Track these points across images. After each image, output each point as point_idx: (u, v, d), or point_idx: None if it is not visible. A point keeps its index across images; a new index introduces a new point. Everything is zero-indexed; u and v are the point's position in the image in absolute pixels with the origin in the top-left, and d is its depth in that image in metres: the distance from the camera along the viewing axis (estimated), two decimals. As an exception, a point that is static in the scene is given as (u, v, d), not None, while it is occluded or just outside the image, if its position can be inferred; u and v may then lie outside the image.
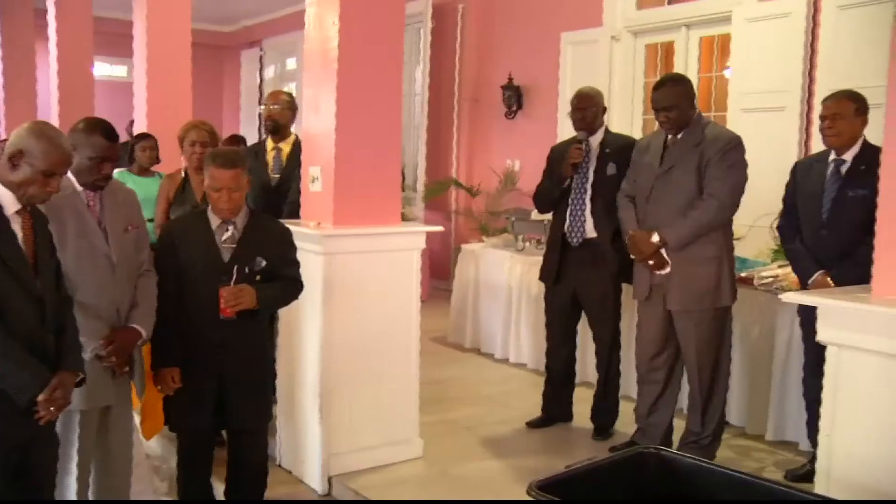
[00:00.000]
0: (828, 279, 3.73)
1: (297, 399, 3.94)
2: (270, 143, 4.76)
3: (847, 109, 3.74)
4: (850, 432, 2.19)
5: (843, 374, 2.20)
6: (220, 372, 3.09)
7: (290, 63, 11.94)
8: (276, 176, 4.67)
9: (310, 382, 3.84)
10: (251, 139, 8.39)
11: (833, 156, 3.83)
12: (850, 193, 3.70)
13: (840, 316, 2.20)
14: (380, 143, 3.99)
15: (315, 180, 3.98)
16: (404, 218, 7.49)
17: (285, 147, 4.73)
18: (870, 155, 3.63)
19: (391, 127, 4.05)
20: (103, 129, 2.92)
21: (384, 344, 3.96)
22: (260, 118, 4.79)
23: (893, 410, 2.10)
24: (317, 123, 3.99)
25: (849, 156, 3.77)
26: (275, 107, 4.71)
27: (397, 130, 4.11)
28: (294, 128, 4.84)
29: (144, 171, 5.55)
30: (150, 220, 4.64)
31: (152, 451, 4.20)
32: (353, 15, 3.85)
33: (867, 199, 3.38)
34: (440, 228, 4.42)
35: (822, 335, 2.25)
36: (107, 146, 2.90)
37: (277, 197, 4.58)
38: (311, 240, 3.76)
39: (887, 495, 2.13)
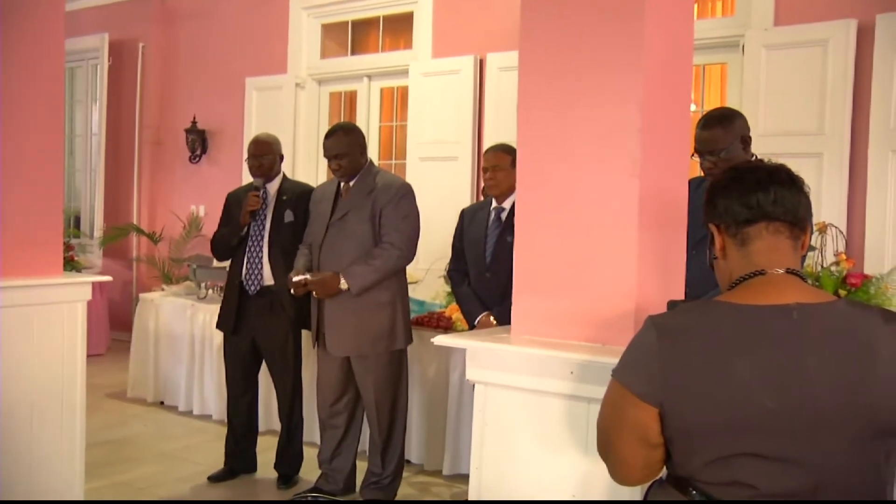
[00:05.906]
0: (491, 319, 3.99)
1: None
2: None
3: (504, 162, 4.04)
4: (497, 464, 2.34)
5: (490, 410, 2.35)
6: None
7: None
8: None
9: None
10: None
11: (494, 203, 4.13)
12: (509, 238, 3.98)
13: (483, 356, 2.34)
14: (35, 188, 3.65)
15: (-43, 230, 3.57)
16: (79, 266, 6.98)
17: None
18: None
19: (50, 170, 3.73)
20: None
21: (42, 407, 3.59)
22: None
23: (532, 441, 2.28)
24: (-43, 167, 3.59)
25: (507, 204, 4.08)
26: None
27: (58, 173, 3.80)
28: None
29: None
30: None
31: None
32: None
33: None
34: (108, 278, 4.15)
35: (469, 375, 2.38)
36: None
37: None
38: (-51, 295, 3.36)
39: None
